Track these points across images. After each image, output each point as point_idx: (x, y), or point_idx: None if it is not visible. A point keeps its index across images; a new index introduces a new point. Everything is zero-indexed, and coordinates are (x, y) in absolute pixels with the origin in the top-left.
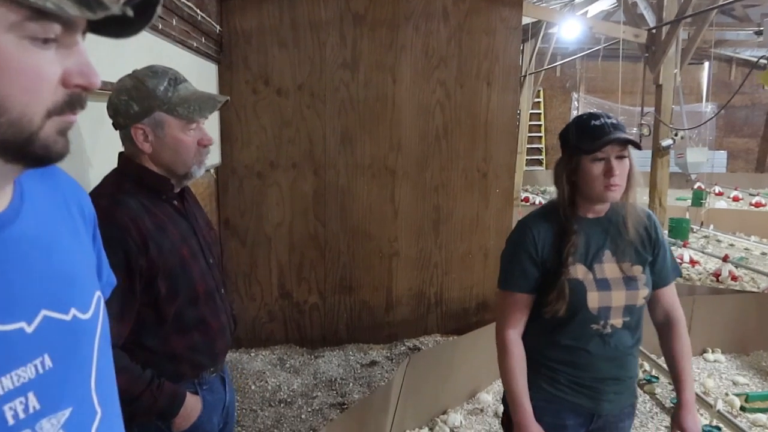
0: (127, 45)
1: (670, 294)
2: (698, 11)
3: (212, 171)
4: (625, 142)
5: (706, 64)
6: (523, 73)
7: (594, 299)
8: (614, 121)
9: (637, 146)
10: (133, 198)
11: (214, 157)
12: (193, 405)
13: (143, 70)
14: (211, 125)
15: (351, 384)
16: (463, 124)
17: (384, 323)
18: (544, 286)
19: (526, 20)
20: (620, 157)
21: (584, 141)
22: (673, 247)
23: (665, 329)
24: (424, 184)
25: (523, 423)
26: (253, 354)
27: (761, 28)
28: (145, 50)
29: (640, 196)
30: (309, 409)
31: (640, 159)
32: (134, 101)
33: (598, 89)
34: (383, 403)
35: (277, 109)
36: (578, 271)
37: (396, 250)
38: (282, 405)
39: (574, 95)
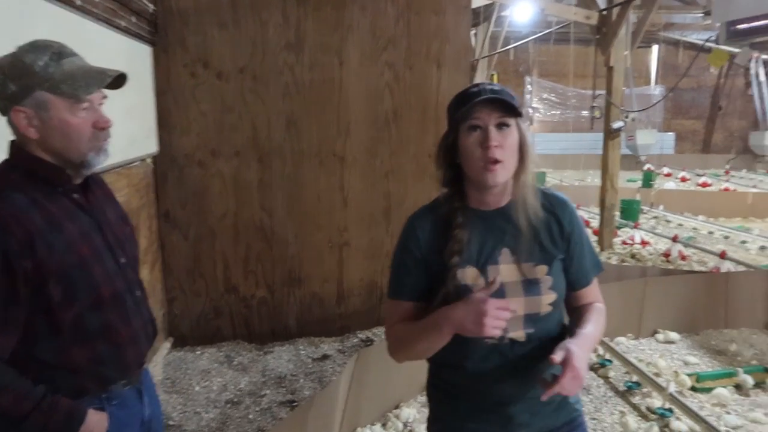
0: (38, 26)
1: (591, 294)
2: None
3: (149, 160)
4: (497, 102)
5: (655, 47)
6: (476, 57)
7: None
8: (496, 88)
9: (518, 112)
10: (21, 192)
11: (150, 145)
12: (95, 423)
13: (24, 45)
14: (147, 111)
15: (302, 380)
16: (413, 107)
17: (335, 315)
18: (435, 293)
19: (478, 3)
20: (502, 126)
21: (459, 107)
22: (624, 228)
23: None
24: (374, 171)
25: (443, 319)
26: (198, 352)
27: (708, 10)
28: (61, 30)
29: (592, 179)
30: (257, 409)
31: (591, 142)
32: (10, 80)
33: (551, 73)
34: (333, 400)
35: (217, 93)
36: (467, 274)
37: (346, 239)
38: (228, 405)
39: (528, 79)
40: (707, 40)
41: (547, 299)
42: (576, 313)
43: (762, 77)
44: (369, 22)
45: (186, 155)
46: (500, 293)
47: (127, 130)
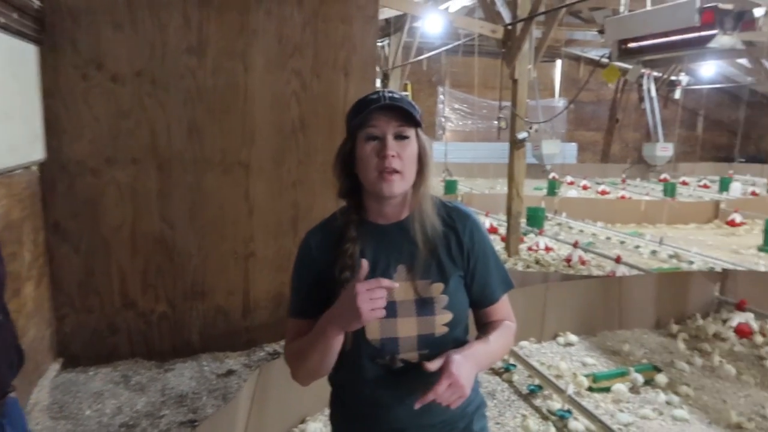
0: None
1: (500, 312)
2: (549, 10)
3: (34, 168)
4: (396, 110)
5: (558, 62)
6: (389, 66)
7: (374, 328)
8: (395, 95)
9: (417, 122)
10: None
11: (36, 151)
12: None
13: None
14: (32, 115)
15: (205, 397)
16: (320, 116)
17: (241, 329)
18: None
19: (390, 13)
20: (401, 137)
21: (357, 114)
22: (530, 235)
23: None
24: (281, 180)
25: (325, 321)
26: (91, 373)
27: (601, 29)
28: None
29: (501, 187)
30: (155, 431)
31: (501, 151)
32: None
33: (462, 84)
34: (234, 417)
35: (112, 97)
36: None
37: (252, 250)
38: (123, 429)
39: (440, 89)
40: (602, 57)
41: (442, 319)
42: (482, 330)
43: (653, 93)
44: (275, 28)
45: (78, 162)
46: (392, 313)
47: (6, 134)
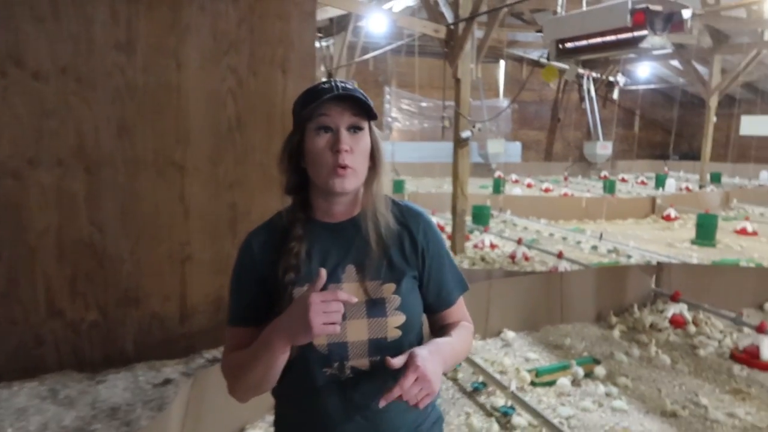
0: None
1: (457, 315)
2: (490, 10)
3: None
4: (350, 101)
5: (502, 62)
6: (334, 66)
7: None
8: (348, 85)
9: (372, 114)
10: None
11: None
12: None
13: None
14: None
15: (139, 409)
16: (258, 115)
17: (179, 335)
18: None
19: (334, 12)
20: (355, 129)
21: (306, 104)
22: (475, 233)
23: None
24: (218, 180)
25: (270, 332)
26: (15, 388)
27: (540, 29)
28: None
29: (448, 186)
30: None
31: (448, 150)
32: None
33: (409, 84)
34: (166, 429)
35: (34, 96)
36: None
37: (189, 253)
38: None
39: (387, 89)
40: (540, 57)
41: (394, 321)
42: (439, 333)
43: (592, 93)
44: (209, 24)
45: None
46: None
47: None
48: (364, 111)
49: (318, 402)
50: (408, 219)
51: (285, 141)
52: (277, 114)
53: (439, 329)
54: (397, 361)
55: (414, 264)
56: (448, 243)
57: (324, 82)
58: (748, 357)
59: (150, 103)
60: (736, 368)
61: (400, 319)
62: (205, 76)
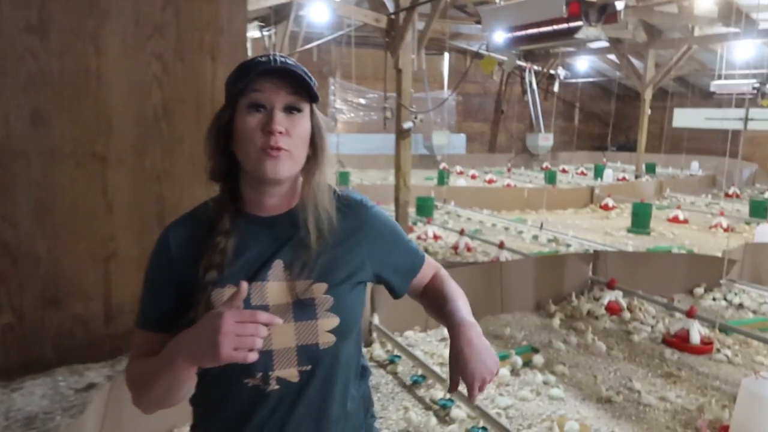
0: None
1: (424, 274)
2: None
3: None
4: (288, 77)
5: (446, 55)
6: (272, 53)
7: None
8: (289, 60)
9: (313, 95)
10: None
11: None
12: None
13: None
14: None
15: (59, 417)
16: (187, 103)
17: (104, 337)
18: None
19: (274, 1)
20: (292, 110)
21: (240, 79)
22: (419, 224)
23: (428, 288)
24: (144, 172)
25: (174, 347)
26: None
27: (479, 20)
28: None
29: (393, 178)
30: None
31: (390, 143)
32: None
33: (353, 75)
34: None
35: None
36: (224, 294)
37: (113, 250)
38: None
39: (331, 80)
40: (479, 47)
41: (326, 325)
42: (427, 296)
43: (534, 86)
44: (131, 7)
45: None
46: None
47: None
48: (305, 90)
49: (239, 417)
50: (349, 209)
51: (213, 118)
52: (207, 102)
53: (423, 292)
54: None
55: (357, 259)
56: None
57: (262, 56)
58: (679, 341)
59: (67, 90)
60: (668, 352)
61: (332, 321)
62: (127, 62)
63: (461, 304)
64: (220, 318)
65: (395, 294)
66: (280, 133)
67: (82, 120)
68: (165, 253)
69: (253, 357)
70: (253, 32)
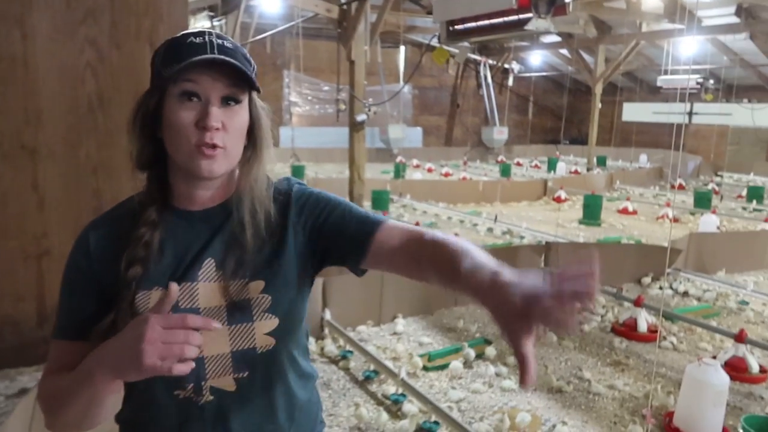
0: None
1: (391, 234)
2: None
3: None
4: (226, 67)
5: (402, 48)
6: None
7: None
8: (228, 44)
9: (253, 84)
10: None
11: None
12: None
13: None
14: None
15: None
16: (123, 91)
17: (37, 339)
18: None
19: None
20: (229, 101)
21: (170, 63)
22: None
23: (417, 254)
24: (79, 165)
25: (93, 358)
26: None
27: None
28: None
29: (344, 170)
30: None
31: (343, 135)
32: None
33: (308, 68)
34: None
35: None
36: (151, 297)
37: (46, 248)
38: None
39: (285, 72)
40: (431, 38)
41: (264, 327)
42: (417, 263)
43: (489, 80)
44: None
45: None
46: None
47: None
48: (244, 80)
49: None
50: (281, 195)
51: (138, 101)
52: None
53: (402, 260)
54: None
55: (294, 248)
56: None
57: (196, 34)
58: (627, 330)
59: None
60: (617, 341)
61: (271, 323)
62: (57, 49)
63: (481, 257)
64: (145, 324)
65: (354, 269)
66: (217, 129)
67: (8, 110)
68: (83, 253)
69: (181, 368)
70: (202, 22)
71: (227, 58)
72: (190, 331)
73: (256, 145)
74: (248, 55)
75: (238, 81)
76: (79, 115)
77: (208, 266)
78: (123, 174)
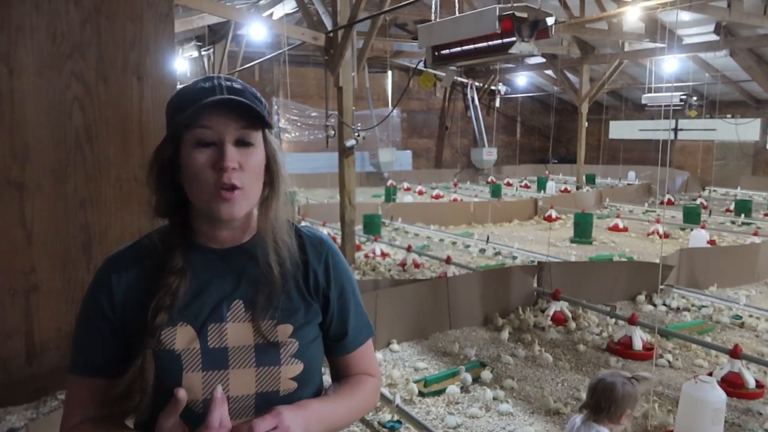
0: None
1: (362, 363)
2: (367, 17)
3: None
4: (238, 107)
5: (389, 72)
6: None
7: (195, 384)
8: (236, 85)
9: (265, 122)
10: None
11: None
12: None
13: None
14: None
15: None
16: (111, 125)
17: (26, 377)
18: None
19: (212, 19)
20: (243, 144)
21: (182, 110)
22: (365, 243)
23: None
24: (66, 200)
25: None
26: None
27: (416, 36)
28: None
29: (335, 195)
30: None
31: (333, 160)
32: None
33: (297, 94)
34: None
35: None
36: (178, 336)
37: (34, 283)
38: None
39: (275, 99)
40: (417, 63)
41: (290, 372)
42: (335, 385)
43: (476, 101)
44: (47, 25)
45: None
46: (221, 361)
47: None
48: (257, 119)
49: None
50: (309, 247)
51: (154, 152)
52: (134, 124)
53: (338, 379)
54: (262, 426)
55: (316, 299)
56: None
57: (205, 80)
58: (623, 348)
59: None
60: (613, 360)
61: (296, 368)
62: (44, 84)
63: (336, 404)
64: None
65: (325, 350)
66: (233, 169)
67: None
68: (105, 293)
69: None
70: (190, 51)
71: (237, 98)
72: None
73: (274, 181)
74: (258, 93)
75: (250, 119)
76: (67, 149)
77: (237, 307)
78: (111, 207)
